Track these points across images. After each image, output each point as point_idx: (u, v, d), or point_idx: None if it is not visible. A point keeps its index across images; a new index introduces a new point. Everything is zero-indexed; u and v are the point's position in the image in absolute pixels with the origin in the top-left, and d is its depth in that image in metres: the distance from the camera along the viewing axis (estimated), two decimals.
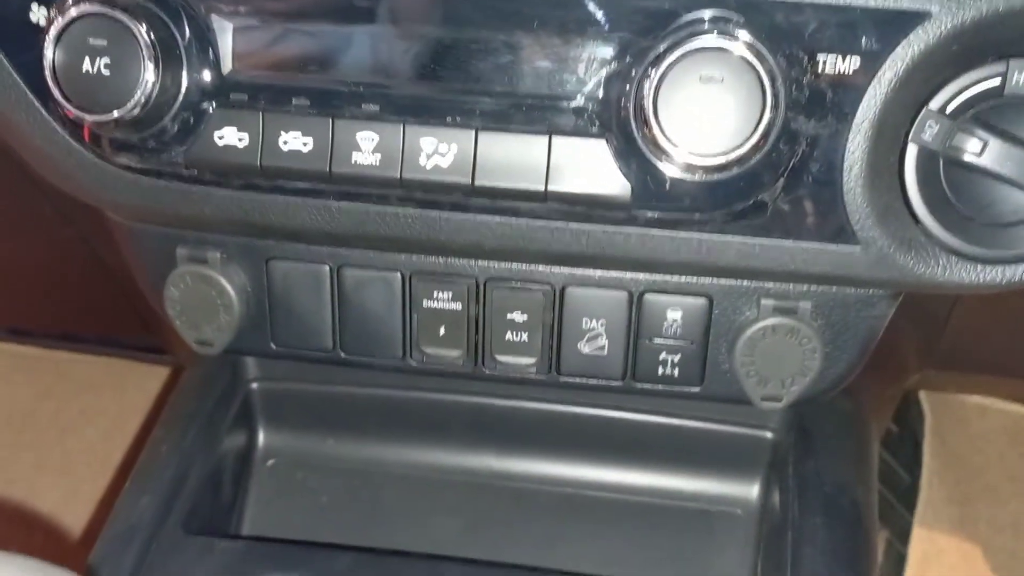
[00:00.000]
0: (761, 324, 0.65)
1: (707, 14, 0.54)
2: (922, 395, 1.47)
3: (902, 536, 1.35)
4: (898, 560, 1.32)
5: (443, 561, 0.73)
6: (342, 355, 0.72)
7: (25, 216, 0.95)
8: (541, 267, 0.68)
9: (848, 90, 0.54)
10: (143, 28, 0.56)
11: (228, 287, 0.70)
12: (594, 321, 0.69)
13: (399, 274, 0.69)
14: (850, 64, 0.54)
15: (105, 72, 0.57)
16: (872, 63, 0.54)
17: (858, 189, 0.56)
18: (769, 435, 0.82)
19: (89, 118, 0.58)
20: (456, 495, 0.85)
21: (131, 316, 1.02)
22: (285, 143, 0.59)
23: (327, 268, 0.70)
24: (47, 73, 0.57)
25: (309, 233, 0.65)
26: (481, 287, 0.69)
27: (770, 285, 0.65)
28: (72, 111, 0.58)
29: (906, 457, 1.42)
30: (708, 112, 0.53)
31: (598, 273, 0.67)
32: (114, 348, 1.25)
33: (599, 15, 0.55)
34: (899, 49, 0.53)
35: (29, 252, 1.03)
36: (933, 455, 1.43)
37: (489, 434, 0.86)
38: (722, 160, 0.54)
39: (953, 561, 1.34)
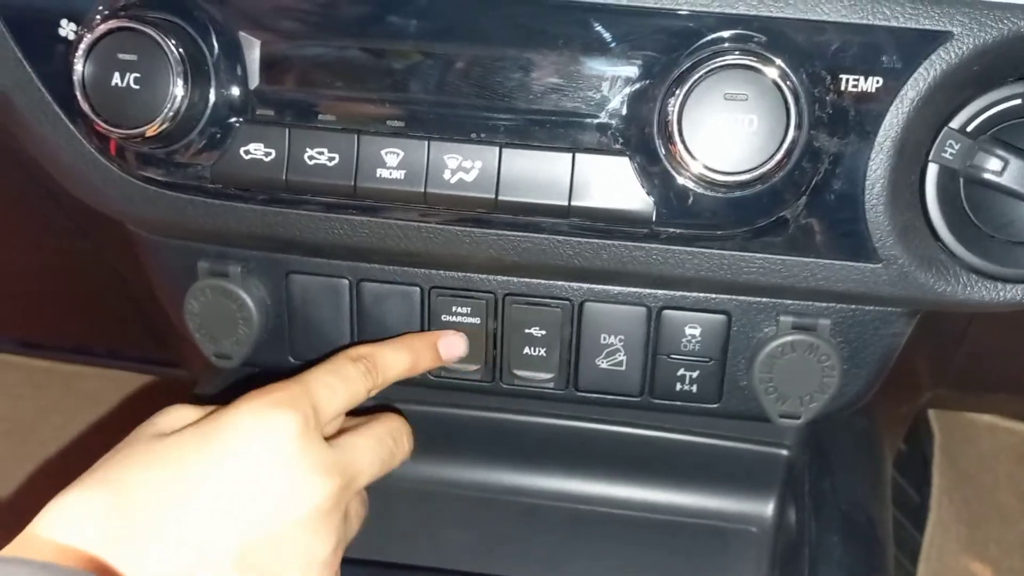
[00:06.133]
0: (780, 341, 0.66)
1: (731, 33, 0.54)
2: (931, 414, 1.46)
3: (911, 555, 1.34)
4: None
5: None
6: None
7: (39, 229, 0.96)
8: (560, 282, 0.68)
9: (870, 109, 0.55)
10: (172, 43, 0.57)
11: (248, 300, 0.71)
12: (612, 337, 0.69)
13: (418, 288, 0.70)
14: (872, 83, 0.54)
15: (135, 87, 0.57)
16: (894, 82, 0.54)
17: (880, 207, 0.57)
18: (784, 453, 0.82)
19: (118, 132, 0.58)
20: (469, 510, 0.85)
21: (143, 330, 1.02)
22: (311, 158, 0.60)
23: (346, 282, 0.70)
24: (77, 87, 0.58)
25: (331, 247, 0.66)
26: (500, 302, 0.69)
27: (789, 302, 0.66)
28: (101, 125, 0.58)
29: (915, 476, 1.42)
30: (732, 130, 0.54)
31: (616, 289, 0.68)
32: (124, 362, 1.25)
33: (624, 34, 0.56)
34: (921, 69, 0.54)
35: (42, 265, 1.03)
36: (942, 474, 1.42)
37: (503, 449, 0.86)
38: (746, 177, 0.54)
39: None
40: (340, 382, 0.59)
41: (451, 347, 0.70)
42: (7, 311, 1.14)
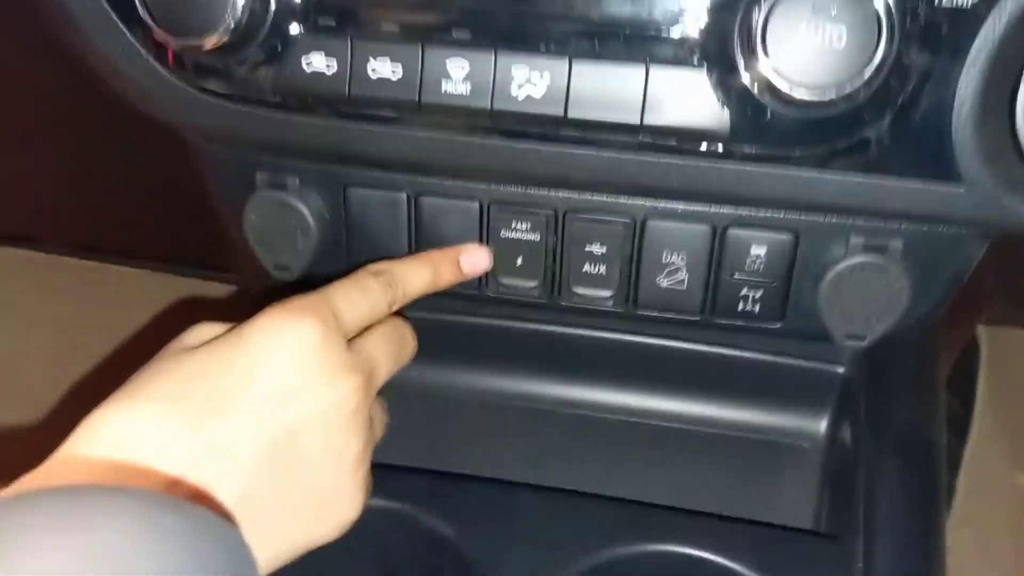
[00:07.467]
0: (849, 262, 0.64)
1: None
2: (979, 328, 1.45)
3: (952, 466, 1.35)
4: (947, 491, 1.33)
5: (519, 487, 0.74)
6: None
7: (94, 136, 0.95)
8: (622, 199, 0.67)
9: (965, 23, 0.52)
10: None
11: (306, 213, 0.70)
12: (674, 255, 0.68)
13: (477, 203, 0.69)
14: None
15: None
16: None
17: (968, 127, 0.54)
18: (839, 370, 0.81)
19: (177, 42, 0.57)
20: (523, 421, 0.87)
21: (198, 239, 1.02)
22: (374, 70, 0.58)
23: (405, 196, 0.69)
24: None
25: (392, 162, 0.65)
26: (560, 218, 0.68)
27: (860, 222, 0.64)
28: (160, 34, 0.57)
29: (960, 389, 1.42)
30: (819, 44, 0.51)
31: (680, 206, 0.66)
32: (177, 266, 1.27)
33: None
34: None
35: (97, 170, 1.04)
36: (987, 388, 1.42)
37: (556, 362, 0.86)
38: (832, 95, 0.52)
39: (1001, 495, 1.35)
40: (359, 292, 0.60)
41: (474, 262, 0.69)
42: (61, 214, 1.15)
